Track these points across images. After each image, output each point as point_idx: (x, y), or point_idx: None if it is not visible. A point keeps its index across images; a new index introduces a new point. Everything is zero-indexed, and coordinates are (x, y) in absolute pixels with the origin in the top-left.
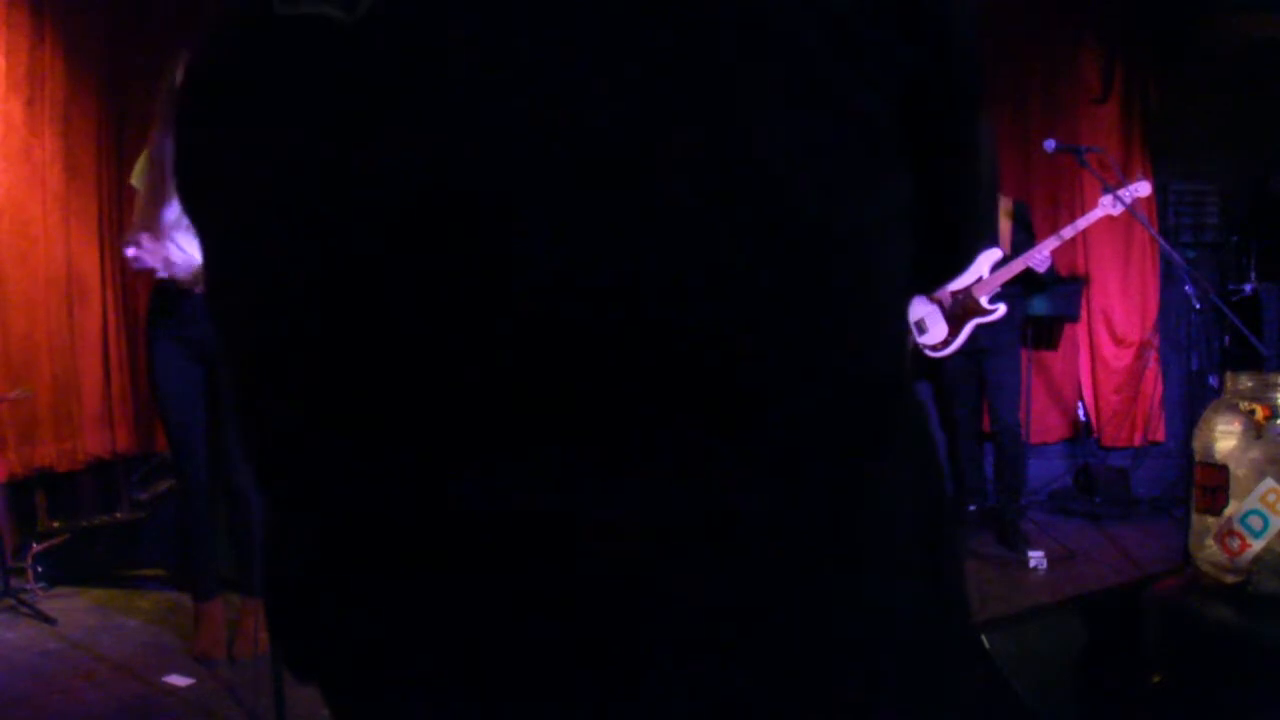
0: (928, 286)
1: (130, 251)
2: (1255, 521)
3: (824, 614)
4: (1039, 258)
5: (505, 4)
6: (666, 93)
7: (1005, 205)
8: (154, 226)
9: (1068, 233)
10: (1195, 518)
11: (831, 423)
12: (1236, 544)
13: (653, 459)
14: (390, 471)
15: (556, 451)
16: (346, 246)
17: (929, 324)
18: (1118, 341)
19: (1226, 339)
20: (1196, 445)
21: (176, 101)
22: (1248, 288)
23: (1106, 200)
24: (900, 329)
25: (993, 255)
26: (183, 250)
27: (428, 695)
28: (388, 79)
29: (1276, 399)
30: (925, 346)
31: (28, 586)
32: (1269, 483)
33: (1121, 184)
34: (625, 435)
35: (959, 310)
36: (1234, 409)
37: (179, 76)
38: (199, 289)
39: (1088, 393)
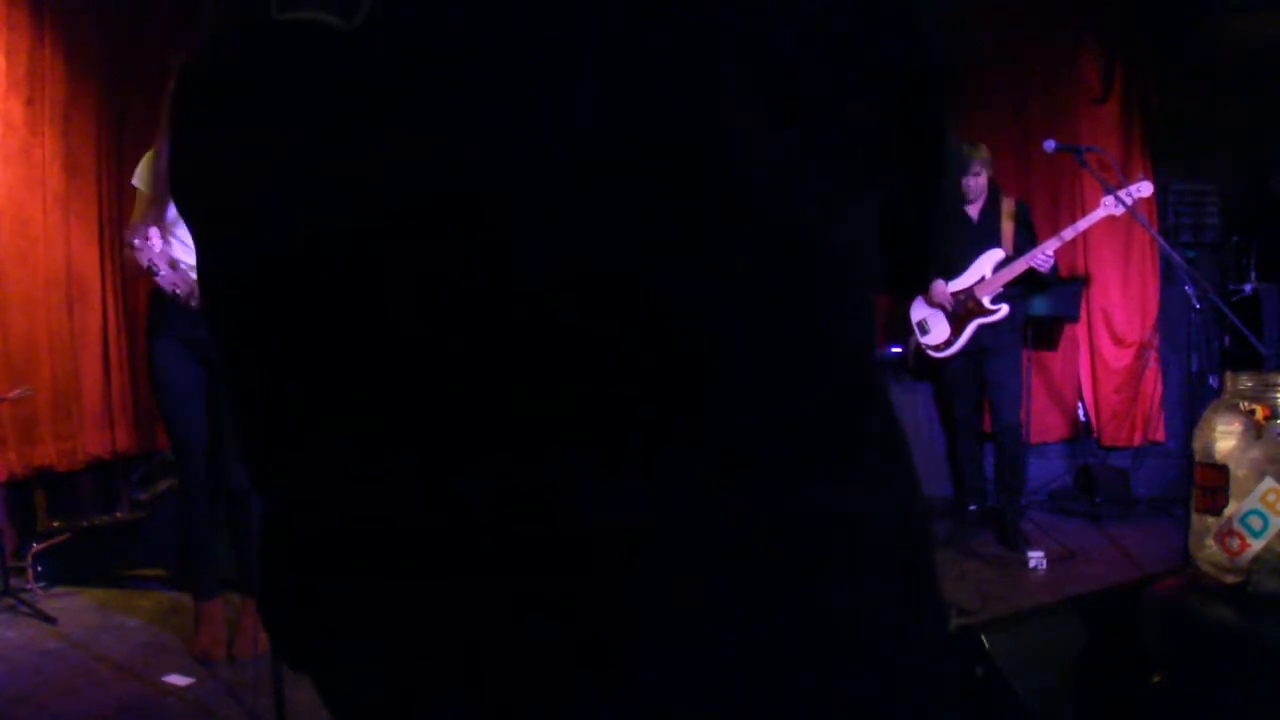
0: (898, 288)
1: (136, 241)
2: (1255, 521)
3: (824, 615)
4: (1041, 257)
5: (505, 8)
6: (666, 95)
7: (1007, 206)
8: (159, 223)
9: (1068, 234)
10: (1195, 518)
11: (826, 426)
12: (1236, 544)
13: (653, 461)
14: (390, 473)
15: (558, 453)
16: (346, 249)
17: (931, 324)
18: (1118, 341)
19: (1226, 339)
20: (1196, 445)
21: (171, 104)
22: (1248, 288)
23: (1109, 201)
24: (873, 333)
25: (995, 256)
26: (186, 245)
27: (427, 697)
28: (387, 82)
29: (1276, 399)
30: (928, 347)
31: (28, 586)
32: (1269, 483)
33: (1123, 184)
34: (626, 437)
35: (961, 311)
36: (1234, 409)
37: (173, 79)
38: (193, 302)
39: (1088, 393)
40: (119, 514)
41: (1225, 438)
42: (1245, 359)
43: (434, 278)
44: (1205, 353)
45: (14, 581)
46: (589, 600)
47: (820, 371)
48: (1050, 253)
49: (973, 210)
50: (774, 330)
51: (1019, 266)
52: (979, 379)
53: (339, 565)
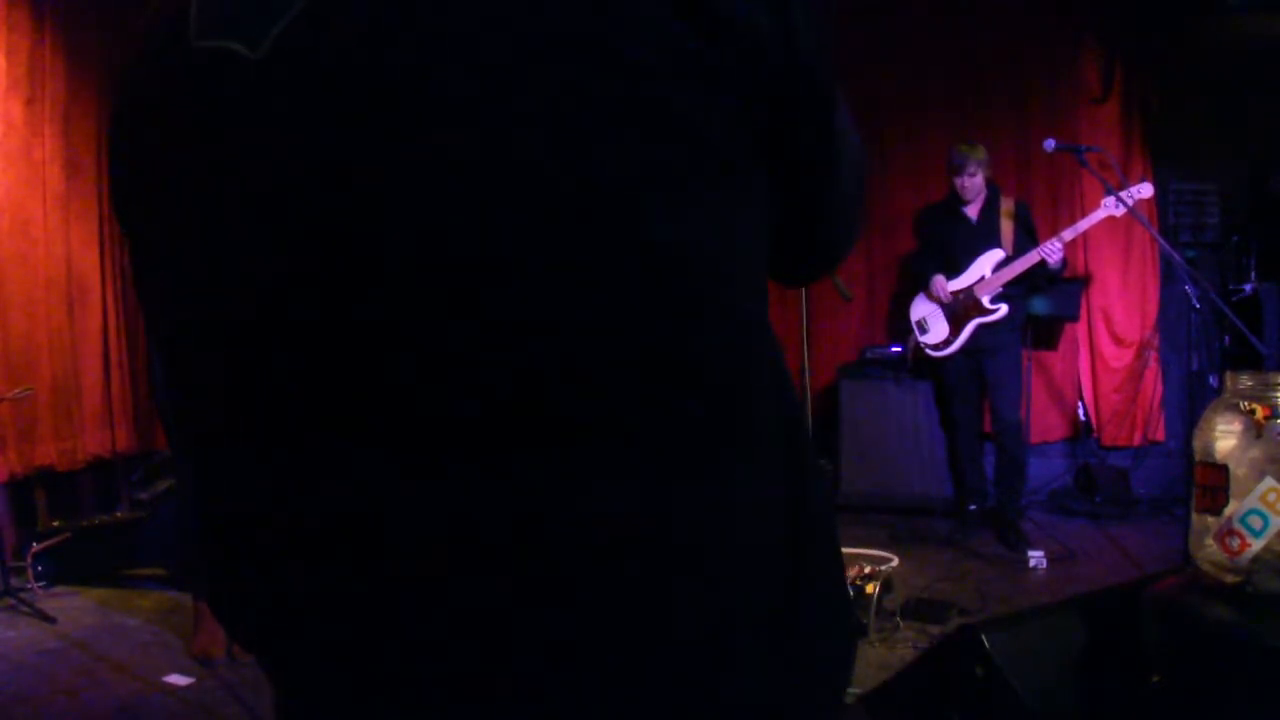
0: (796, 283)
1: None
2: (1255, 521)
3: (695, 611)
4: (1051, 247)
5: (402, 43)
6: (544, 124)
7: (1007, 206)
8: None
9: (1069, 234)
10: (1195, 517)
11: (696, 427)
12: (1236, 543)
13: (614, 466)
14: (377, 475)
15: (526, 456)
16: (286, 265)
17: (930, 323)
18: (1118, 341)
19: (1226, 339)
20: (1196, 445)
21: (107, 131)
22: (1248, 288)
23: (1109, 201)
24: (753, 330)
25: (995, 256)
26: None
27: (405, 699)
28: (293, 113)
29: (1276, 399)
30: (927, 346)
31: (28, 585)
32: (1269, 482)
33: (1124, 185)
34: (593, 442)
35: (960, 310)
36: (1234, 409)
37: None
38: None
39: (1088, 392)
40: (119, 514)
41: (1225, 437)
42: (1245, 359)
43: (395, 294)
44: (1205, 353)
45: (14, 581)
46: (562, 596)
47: (687, 374)
48: (1061, 245)
49: (972, 210)
50: (635, 337)
51: (1019, 266)
52: (979, 378)
53: (315, 567)
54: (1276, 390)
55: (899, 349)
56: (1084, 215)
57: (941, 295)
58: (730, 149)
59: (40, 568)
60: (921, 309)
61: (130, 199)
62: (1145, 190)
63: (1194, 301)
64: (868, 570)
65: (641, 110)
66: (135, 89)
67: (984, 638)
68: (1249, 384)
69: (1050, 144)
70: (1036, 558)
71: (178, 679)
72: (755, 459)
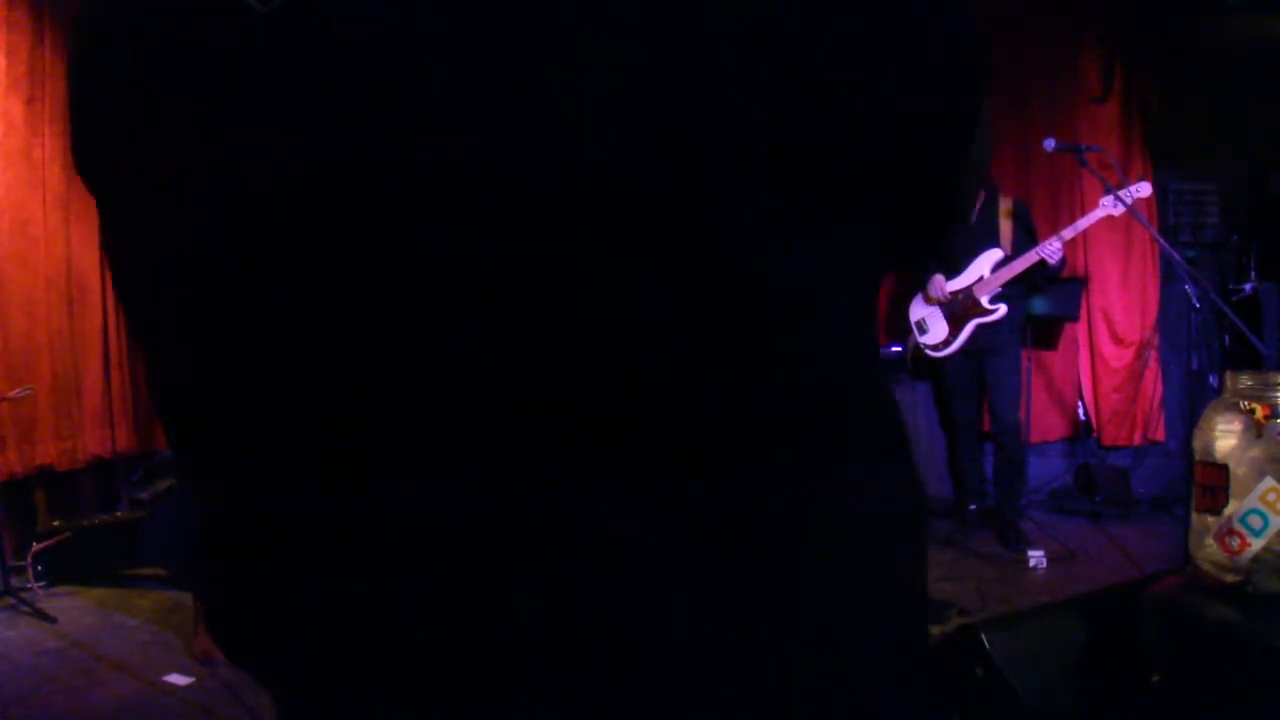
0: (900, 270)
1: None
2: (1255, 521)
3: (785, 619)
4: (1050, 248)
5: (402, 43)
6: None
7: (1006, 205)
8: None
9: (1068, 233)
10: (1195, 517)
11: (792, 429)
12: (1236, 543)
13: (620, 466)
14: (378, 475)
15: (535, 456)
16: (271, 230)
17: (930, 324)
18: (1118, 341)
19: (1226, 339)
20: (1196, 444)
21: (69, 70)
22: (1248, 287)
23: (1108, 201)
24: (861, 333)
25: (994, 255)
26: None
27: (405, 699)
28: (293, 113)
29: (1276, 398)
30: (926, 346)
31: (28, 585)
32: (1269, 482)
33: (1122, 184)
34: (594, 444)
35: (960, 310)
36: (1234, 408)
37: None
38: None
39: (1088, 392)
40: (119, 514)
41: (1225, 437)
42: (1245, 358)
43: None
44: (1205, 352)
45: (14, 581)
46: (564, 598)
47: (686, 377)
48: (1060, 244)
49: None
50: (634, 339)
51: (1018, 266)
52: (978, 378)
53: (310, 569)
54: (1276, 390)
55: (898, 349)
56: (1084, 215)
57: (940, 295)
58: (772, 150)
59: (40, 568)
60: (920, 309)
61: (107, 184)
62: (1144, 189)
63: (1194, 301)
64: None
65: (644, 112)
66: (113, 26)
67: (984, 638)
68: (1249, 384)
69: (1050, 144)
70: (1036, 558)
71: (178, 679)
72: (761, 462)
